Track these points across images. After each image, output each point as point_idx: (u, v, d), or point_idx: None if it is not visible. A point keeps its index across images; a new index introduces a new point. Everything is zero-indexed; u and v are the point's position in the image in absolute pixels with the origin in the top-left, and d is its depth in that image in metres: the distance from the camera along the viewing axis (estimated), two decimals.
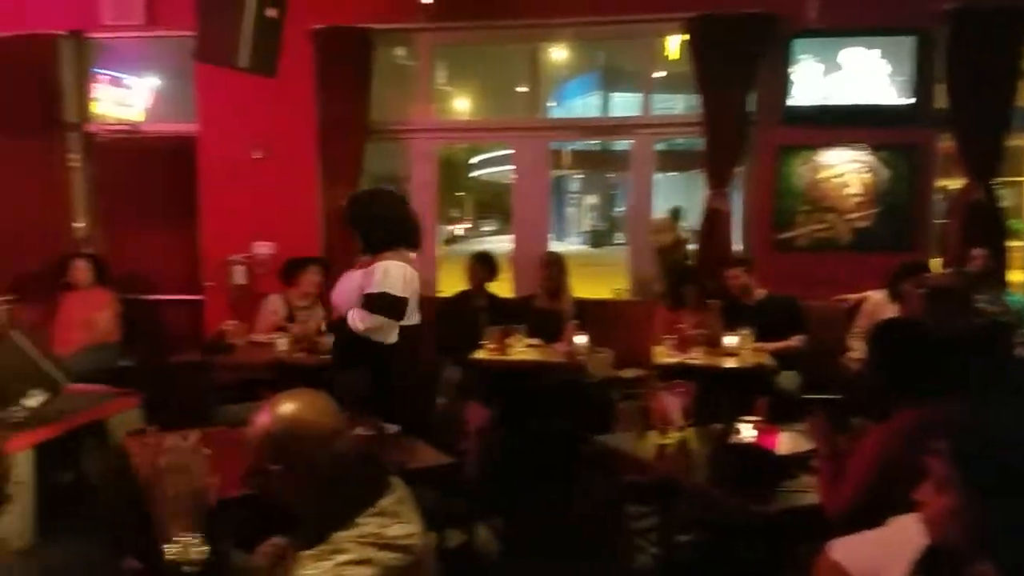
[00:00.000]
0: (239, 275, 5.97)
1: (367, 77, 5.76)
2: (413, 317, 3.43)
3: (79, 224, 6.25)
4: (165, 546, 1.46)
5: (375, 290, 3.24)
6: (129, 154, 6.27)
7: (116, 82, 6.39)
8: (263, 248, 5.96)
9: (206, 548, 1.48)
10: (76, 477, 4.01)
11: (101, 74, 6.30)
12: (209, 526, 1.52)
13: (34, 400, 3.50)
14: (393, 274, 3.26)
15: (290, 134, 5.84)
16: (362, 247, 3.39)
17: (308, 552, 1.55)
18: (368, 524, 1.56)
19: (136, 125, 6.31)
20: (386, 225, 3.35)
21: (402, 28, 5.90)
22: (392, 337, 3.33)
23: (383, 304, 3.26)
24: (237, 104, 5.76)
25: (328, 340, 4.84)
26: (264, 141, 5.87)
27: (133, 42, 6.20)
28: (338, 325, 3.45)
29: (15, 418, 3.44)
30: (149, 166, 6.26)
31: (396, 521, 1.58)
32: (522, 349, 4.90)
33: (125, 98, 6.48)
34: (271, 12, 4.03)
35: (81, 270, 5.72)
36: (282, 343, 4.81)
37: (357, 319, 3.28)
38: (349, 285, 3.41)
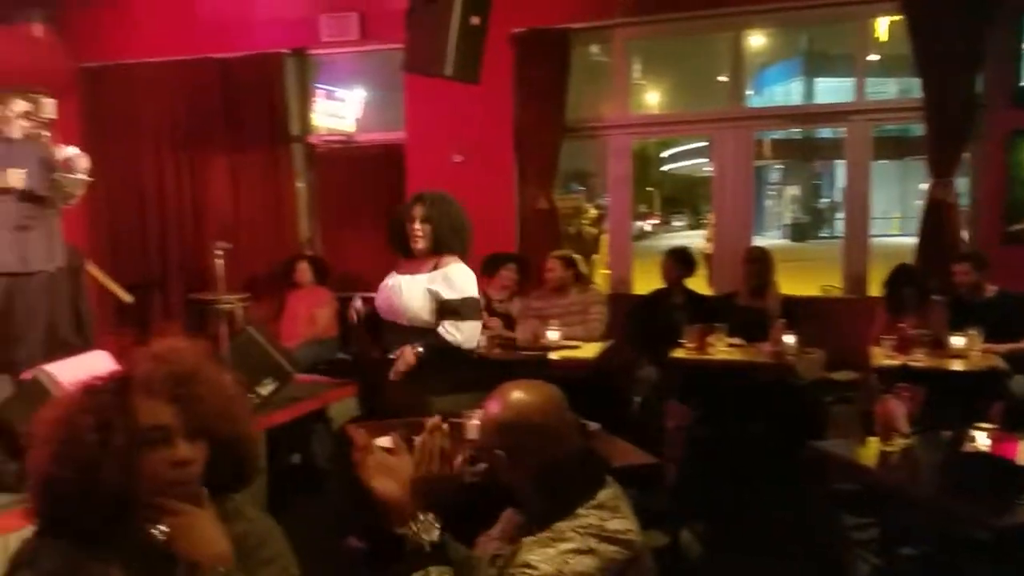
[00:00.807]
0: None
1: (564, 77, 5.82)
2: None
3: (302, 228, 6.79)
4: (400, 529, 1.52)
5: (464, 295, 3.25)
6: (343, 163, 6.73)
7: (330, 95, 6.88)
8: None
9: (438, 528, 1.52)
10: (303, 460, 4.33)
11: (319, 88, 6.81)
12: (439, 508, 1.57)
13: (266, 388, 3.72)
14: (471, 276, 3.33)
15: (488, 137, 6.01)
16: (430, 246, 3.31)
17: (530, 538, 1.58)
18: (589, 516, 1.57)
19: (349, 135, 6.76)
20: (463, 230, 3.38)
21: (600, 26, 5.91)
22: (475, 343, 3.38)
23: (477, 308, 3.34)
24: (441, 111, 6.00)
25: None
26: (464, 145, 6.08)
27: (347, 57, 6.65)
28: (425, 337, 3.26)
29: (251, 404, 3.78)
30: (361, 173, 6.68)
31: (615, 515, 1.59)
32: (724, 349, 4.74)
33: (338, 110, 6.97)
34: (475, 20, 4.15)
35: (304, 270, 6.23)
36: (482, 339, 4.96)
37: (451, 329, 3.24)
38: (412, 291, 3.29)
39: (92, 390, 1.33)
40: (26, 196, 4.29)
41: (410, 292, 3.29)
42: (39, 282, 4.37)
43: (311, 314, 6.16)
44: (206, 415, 1.32)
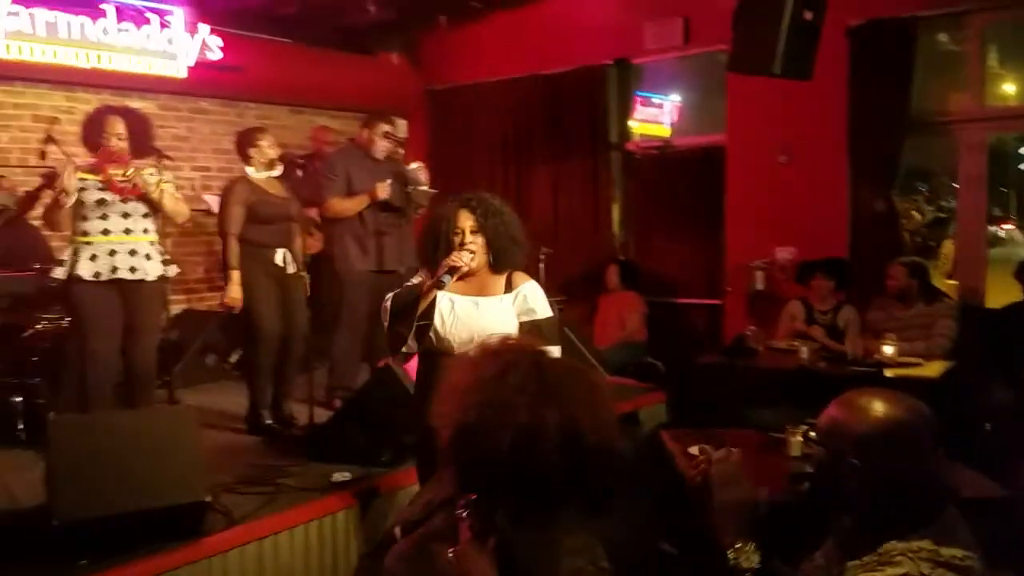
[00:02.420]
0: (759, 280, 6.01)
1: (908, 68, 5.30)
2: None
3: (617, 233, 6.94)
4: (726, 552, 1.50)
5: (547, 315, 2.81)
6: (658, 167, 6.76)
7: (646, 102, 6.94)
8: (784, 253, 5.91)
9: (758, 556, 1.50)
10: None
11: (637, 96, 6.90)
12: (759, 534, 1.53)
13: None
14: (543, 293, 2.87)
15: (817, 136, 5.67)
16: (486, 263, 2.79)
17: (856, 562, 1.49)
18: (922, 540, 1.45)
19: (665, 140, 6.78)
20: (521, 238, 2.86)
21: (950, 13, 5.32)
22: None
23: (558, 328, 2.91)
24: (765, 111, 5.79)
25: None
26: (790, 145, 5.80)
27: (667, 62, 6.67)
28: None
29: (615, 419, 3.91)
30: (676, 178, 6.66)
31: (952, 542, 1.44)
32: None
33: (655, 116, 7.01)
34: (808, 15, 3.95)
35: (614, 274, 6.37)
36: (804, 350, 4.72)
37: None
38: (499, 315, 2.78)
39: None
40: (385, 207, 4.87)
41: (496, 316, 2.77)
42: (391, 281, 4.94)
43: (621, 318, 6.28)
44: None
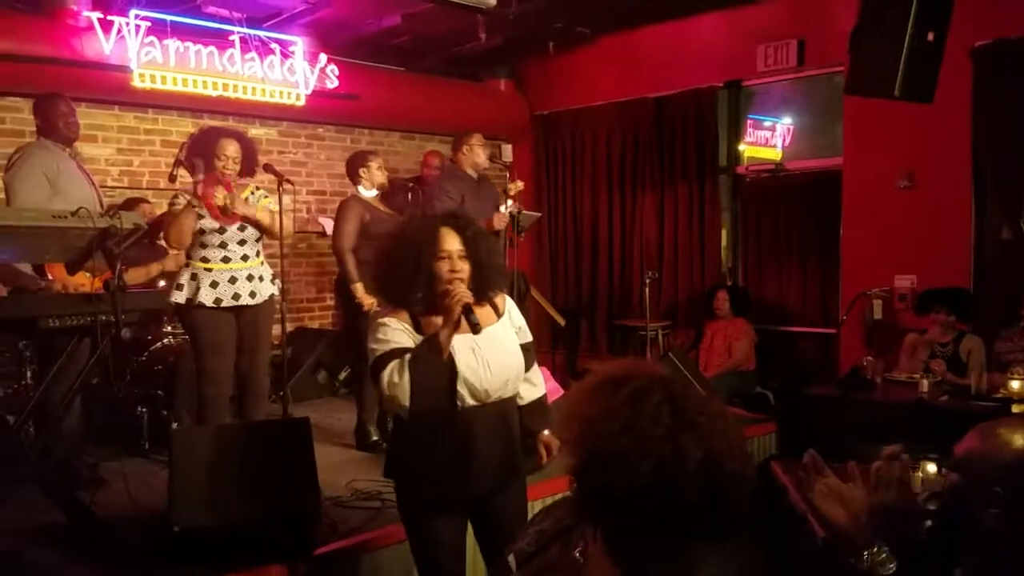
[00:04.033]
0: (877, 309, 5.76)
1: None
2: None
3: (724, 259, 6.80)
4: (854, 559, 1.46)
5: (530, 338, 2.55)
6: (770, 191, 6.60)
7: (757, 124, 6.80)
8: (904, 281, 5.64)
9: (893, 565, 1.45)
10: None
11: (749, 119, 6.78)
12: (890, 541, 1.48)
13: None
14: None
15: (939, 160, 5.41)
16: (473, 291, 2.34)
17: None
18: None
19: (777, 164, 6.61)
20: (503, 265, 2.65)
21: None
22: None
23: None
24: (884, 134, 5.57)
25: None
26: (910, 169, 5.56)
27: (779, 85, 6.52)
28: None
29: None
30: (788, 202, 6.49)
31: None
32: None
33: (766, 139, 6.86)
34: (930, 36, 3.79)
35: (723, 300, 6.23)
36: (925, 383, 4.50)
37: (535, 380, 2.60)
38: (511, 338, 2.45)
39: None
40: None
41: (515, 344, 2.45)
42: None
43: (729, 345, 6.13)
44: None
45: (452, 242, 2.30)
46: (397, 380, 2.19)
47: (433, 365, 2.21)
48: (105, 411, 4.33)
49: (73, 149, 4.04)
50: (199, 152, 3.92)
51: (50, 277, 3.71)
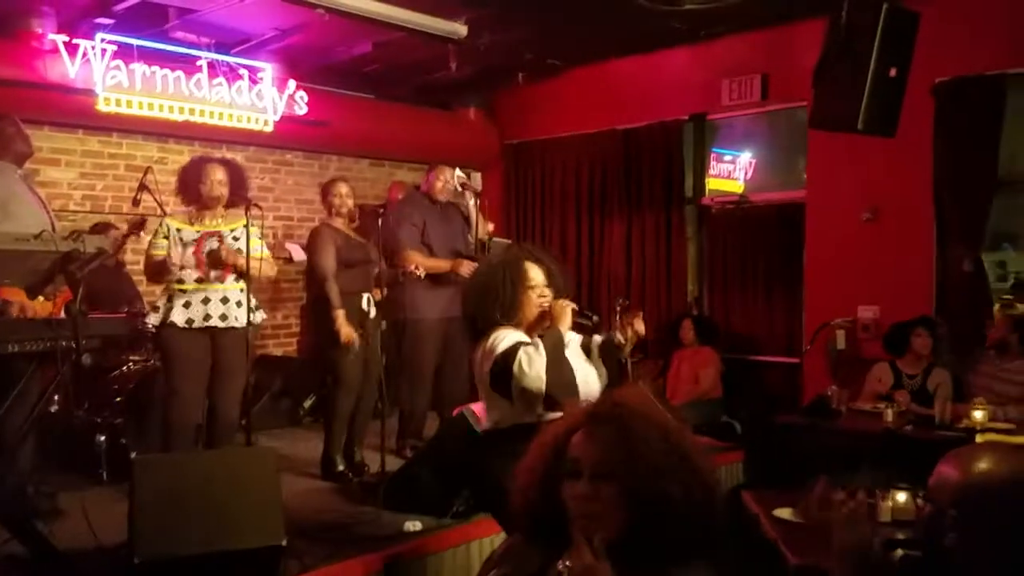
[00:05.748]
0: (840, 339, 5.84)
1: (997, 126, 5.16)
2: None
3: (691, 288, 6.85)
4: None
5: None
6: (734, 223, 6.68)
7: (720, 158, 6.92)
8: (867, 312, 5.74)
9: None
10: None
11: (713, 151, 6.89)
12: None
13: None
14: None
15: (902, 193, 5.54)
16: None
17: None
18: None
19: (741, 196, 6.71)
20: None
21: None
22: None
23: None
24: (847, 168, 5.69)
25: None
26: (873, 202, 5.68)
27: (743, 119, 6.64)
28: None
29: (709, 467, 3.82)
30: (753, 233, 6.57)
31: None
32: None
33: (730, 172, 6.98)
34: (892, 72, 3.90)
35: (688, 329, 6.27)
36: (889, 413, 4.54)
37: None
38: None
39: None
40: (456, 254, 4.96)
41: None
42: (455, 327, 4.91)
43: (695, 373, 6.16)
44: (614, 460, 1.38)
45: (538, 275, 2.66)
46: (536, 355, 2.46)
47: (560, 352, 2.49)
48: (64, 439, 4.22)
49: (24, 171, 3.97)
50: (189, 177, 3.96)
51: (10, 301, 3.61)
